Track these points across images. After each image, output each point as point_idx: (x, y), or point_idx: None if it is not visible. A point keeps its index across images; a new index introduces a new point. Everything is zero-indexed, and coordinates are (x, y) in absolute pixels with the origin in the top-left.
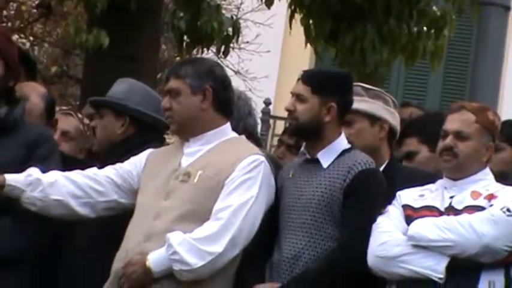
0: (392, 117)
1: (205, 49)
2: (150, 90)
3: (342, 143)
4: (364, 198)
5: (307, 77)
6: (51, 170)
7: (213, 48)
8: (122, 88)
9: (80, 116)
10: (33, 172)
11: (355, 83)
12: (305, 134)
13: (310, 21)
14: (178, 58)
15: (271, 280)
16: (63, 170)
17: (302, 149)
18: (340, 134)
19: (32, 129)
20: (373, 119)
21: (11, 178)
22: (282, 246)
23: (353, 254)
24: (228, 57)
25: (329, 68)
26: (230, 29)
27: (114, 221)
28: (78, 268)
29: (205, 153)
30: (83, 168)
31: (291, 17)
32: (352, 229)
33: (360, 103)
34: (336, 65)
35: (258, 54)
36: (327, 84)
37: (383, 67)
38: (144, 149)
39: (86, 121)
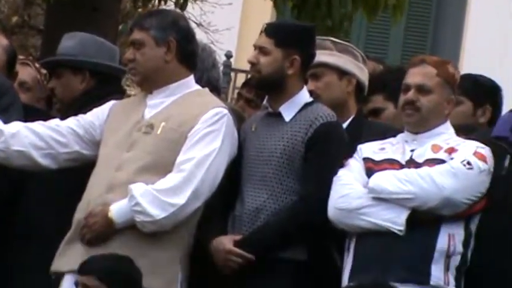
0: (361, 72)
1: (162, 1)
2: (101, 40)
3: (304, 96)
4: (325, 152)
5: (270, 30)
6: (13, 120)
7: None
8: (73, 43)
9: (37, 65)
10: None
11: (324, 37)
12: (268, 87)
13: None
14: (140, 10)
15: (233, 233)
16: (24, 121)
17: (264, 102)
18: (303, 87)
19: None
20: (342, 73)
21: None
22: (244, 199)
23: (313, 206)
24: (190, 10)
25: (292, 20)
26: None
27: (75, 172)
28: (37, 217)
29: (168, 105)
30: (42, 118)
31: None
32: (313, 182)
33: (329, 56)
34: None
35: (220, 6)
36: (290, 37)
37: (347, 21)
38: (106, 101)
39: (43, 71)
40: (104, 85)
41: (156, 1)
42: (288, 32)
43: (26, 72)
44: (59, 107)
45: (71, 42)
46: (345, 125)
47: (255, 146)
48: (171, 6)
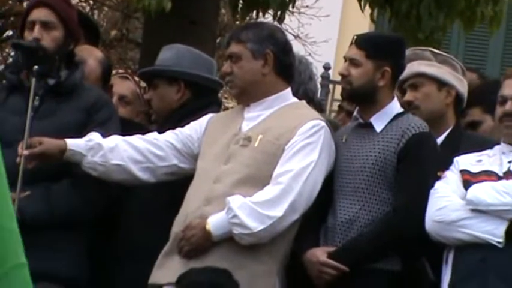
0: (460, 84)
1: (261, 14)
2: (198, 52)
3: (395, 107)
4: (418, 162)
5: (361, 41)
6: (111, 134)
7: (271, 12)
8: (170, 55)
9: (136, 79)
10: (94, 137)
11: (424, 48)
12: (359, 99)
13: None
14: (237, 23)
15: (325, 244)
16: (122, 134)
17: (355, 113)
18: (393, 98)
19: (91, 93)
20: (441, 83)
21: (71, 143)
22: (336, 210)
23: (408, 218)
24: (288, 22)
25: (382, 32)
26: None
27: (172, 186)
28: (135, 231)
29: (266, 118)
30: (141, 132)
31: None
32: (407, 194)
33: (429, 67)
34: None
35: (318, 18)
36: (381, 49)
37: (438, 32)
38: (203, 114)
39: (143, 84)
40: (200, 97)
41: (254, 13)
42: (378, 43)
43: (125, 86)
44: (155, 118)
45: (167, 54)
46: (442, 137)
47: (346, 157)
48: (269, 18)
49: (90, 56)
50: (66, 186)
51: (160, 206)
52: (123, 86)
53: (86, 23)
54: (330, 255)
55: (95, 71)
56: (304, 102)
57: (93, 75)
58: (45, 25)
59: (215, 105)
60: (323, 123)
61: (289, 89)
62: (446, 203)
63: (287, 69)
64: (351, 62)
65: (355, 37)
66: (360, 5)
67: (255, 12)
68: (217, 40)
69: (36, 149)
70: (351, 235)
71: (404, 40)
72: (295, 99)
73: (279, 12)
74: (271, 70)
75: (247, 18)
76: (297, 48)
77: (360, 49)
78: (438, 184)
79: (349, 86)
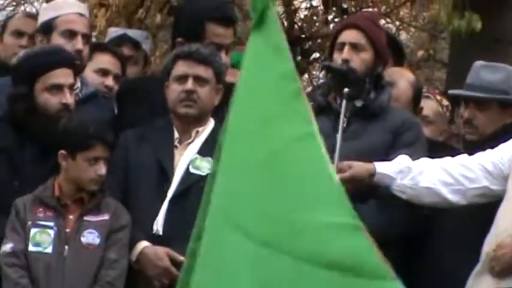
0: None
1: None
2: None
3: None
4: None
5: None
6: (417, 156)
7: None
8: (500, 77)
9: (438, 98)
10: (403, 160)
11: None
12: None
13: None
14: None
15: None
16: (429, 155)
17: None
18: None
19: (398, 115)
20: None
21: (381, 166)
22: None
23: None
24: None
25: None
26: None
27: (486, 205)
28: (446, 251)
29: None
30: (446, 152)
31: None
32: None
33: None
34: None
35: None
36: None
37: None
38: None
39: (445, 102)
40: None
41: None
42: None
43: (427, 106)
44: (475, 138)
45: (496, 76)
46: None
47: None
48: None
49: (402, 77)
50: (372, 208)
51: (474, 225)
52: (425, 105)
53: (391, 43)
54: None
55: (406, 92)
56: None
57: (404, 97)
58: (355, 47)
59: None
60: None
61: None
62: None
63: None
64: None
65: None
66: None
67: None
68: None
69: (346, 173)
70: None
71: None
72: None
73: None
74: None
75: None
76: None
77: None
78: None
79: None
